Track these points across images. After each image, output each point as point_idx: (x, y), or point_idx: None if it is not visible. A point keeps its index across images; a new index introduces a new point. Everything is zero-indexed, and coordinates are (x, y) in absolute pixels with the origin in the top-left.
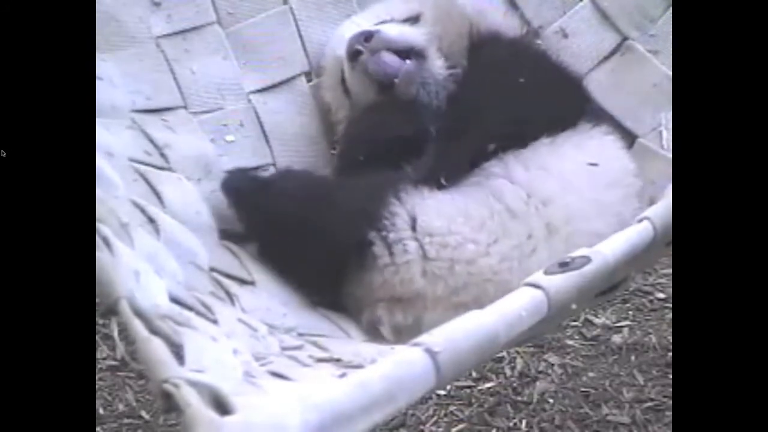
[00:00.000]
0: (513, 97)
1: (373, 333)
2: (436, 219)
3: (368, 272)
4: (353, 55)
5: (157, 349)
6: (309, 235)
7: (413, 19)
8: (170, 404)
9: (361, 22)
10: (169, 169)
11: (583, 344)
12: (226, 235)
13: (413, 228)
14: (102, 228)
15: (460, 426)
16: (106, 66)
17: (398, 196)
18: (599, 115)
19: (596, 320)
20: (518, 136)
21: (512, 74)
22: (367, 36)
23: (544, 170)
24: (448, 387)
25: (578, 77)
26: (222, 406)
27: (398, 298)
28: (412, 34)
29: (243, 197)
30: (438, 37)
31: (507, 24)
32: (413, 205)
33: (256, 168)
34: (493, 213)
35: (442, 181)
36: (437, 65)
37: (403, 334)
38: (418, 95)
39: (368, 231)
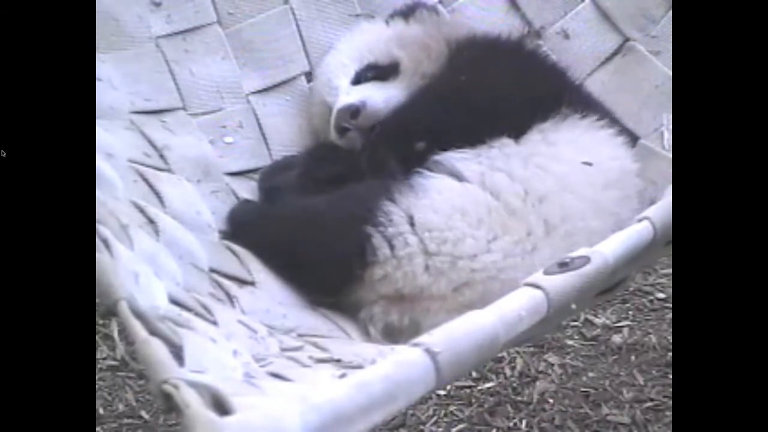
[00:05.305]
0: (451, 96)
1: (365, 331)
2: (433, 215)
3: (369, 267)
4: (341, 131)
5: (157, 350)
6: (308, 252)
7: (393, 68)
8: (170, 405)
9: (345, 60)
10: (169, 170)
11: (583, 344)
12: (226, 235)
13: (411, 224)
14: (102, 229)
15: (460, 426)
16: (105, 67)
17: (392, 198)
18: (589, 106)
19: (596, 320)
20: (460, 133)
21: (453, 73)
22: (354, 112)
23: (542, 169)
24: (448, 387)
25: (556, 68)
26: (222, 407)
27: (401, 295)
28: (394, 98)
29: (242, 227)
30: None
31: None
32: (408, 205)
33: (255, 170)
34: (490, 210)
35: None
36: None
37: (395, 336)
38: None
39: (364, 227)
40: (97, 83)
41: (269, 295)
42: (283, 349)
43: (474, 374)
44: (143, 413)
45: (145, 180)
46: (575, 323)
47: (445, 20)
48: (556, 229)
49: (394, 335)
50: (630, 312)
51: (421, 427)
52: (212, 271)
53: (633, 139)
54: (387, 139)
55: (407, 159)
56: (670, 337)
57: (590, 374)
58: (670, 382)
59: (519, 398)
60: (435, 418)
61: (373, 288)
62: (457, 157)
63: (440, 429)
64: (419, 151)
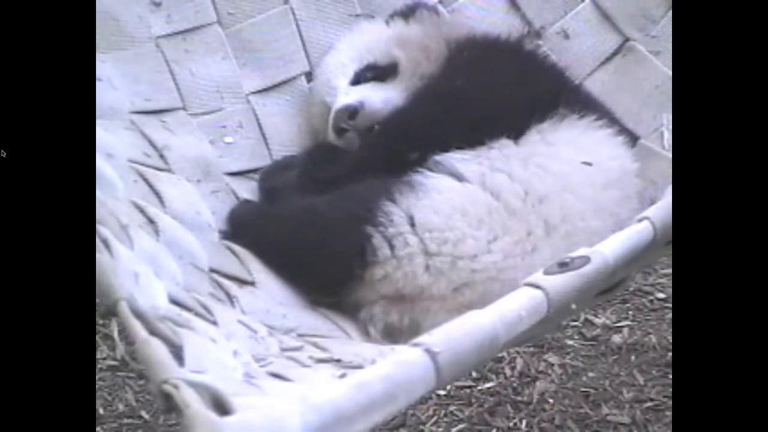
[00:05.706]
0: (450, 97)
1: (365, 331)
2: (433, 215)
3: (369, 267)
4: (339, 131)
5: (157, 350)
6: (308, 252)
7: (392, 69)
8: (170, 405)
9: (344, 60)
10: (169, 170)
11: (583, 344)
12: (226, 235)
13: (412, 224)
14: (102, 230)
15: (460, 426)
16: (105, 67)
17: (392, 198)
18: (587, 106)
19: (596, 320)
20: (460, 134)
21: (452, 74)
22: (352, 113)
23: (542, 169)
24: (448, 387)
25: (556, 68)
26: (222, 407)
27: (401, 296)
28: (393, 99)
29: (242, 227)
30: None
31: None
32: (409, 205)
33: (255, 170)
34: (490, 210)
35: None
36: None
37: (395, 336)
38: None
39: (364, 228)
40: (97, 83)
41: (269, 295)
42: (283, 349)
43: (474, 374)
44: (143, 413)
45: (145, 180)
46: (575, 323)
47: (445, 20)
48: (556, 229)
49: (394, 335)
50: (630, 312)
51: (421, 427)
52: (212, 271)
53: (633, 139)
54: (386, 140)
55: (405, 161)
56: (670, 337)
57: (590, 374)
58: (670, 382)
59: (519, 398)
60: (435, 418)
61: (373, 288)
62: (457, 158)
63: (440, 429)
64: (417, 153)
